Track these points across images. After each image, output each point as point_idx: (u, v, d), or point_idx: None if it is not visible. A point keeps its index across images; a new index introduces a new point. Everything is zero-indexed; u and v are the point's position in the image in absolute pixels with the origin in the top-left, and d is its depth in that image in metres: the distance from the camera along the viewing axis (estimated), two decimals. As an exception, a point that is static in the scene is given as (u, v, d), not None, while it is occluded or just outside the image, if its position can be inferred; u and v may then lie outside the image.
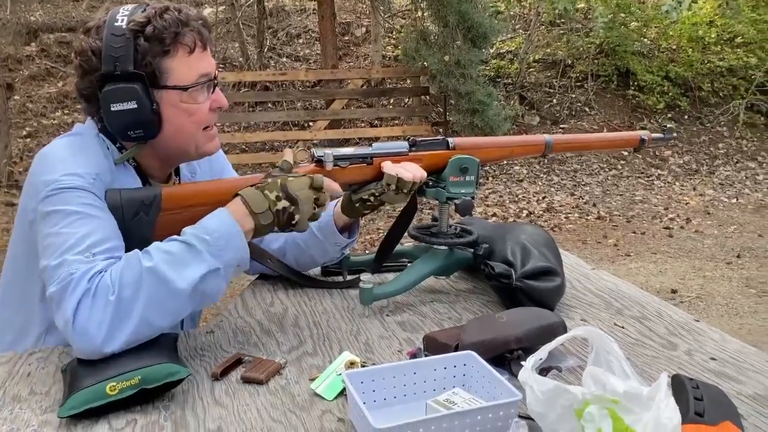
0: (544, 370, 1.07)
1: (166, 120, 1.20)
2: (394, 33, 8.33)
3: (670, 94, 7.62)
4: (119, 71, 1.15)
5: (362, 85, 7.19)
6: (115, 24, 1.16)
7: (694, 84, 7.67)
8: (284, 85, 7.47)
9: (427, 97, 6.83)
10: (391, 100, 7.67)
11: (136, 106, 1.16)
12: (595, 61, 7.91)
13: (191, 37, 1.20)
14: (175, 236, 1.12)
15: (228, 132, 6.78)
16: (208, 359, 1.18)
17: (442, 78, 5.79)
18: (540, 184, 6.68)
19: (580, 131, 7.48)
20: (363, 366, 1.09)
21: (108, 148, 1.23)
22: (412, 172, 1.32)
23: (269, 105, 7.44)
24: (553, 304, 1.35)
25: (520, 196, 6.34)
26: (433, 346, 1.13)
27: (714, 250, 4.89)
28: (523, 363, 1.12)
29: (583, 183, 6.75)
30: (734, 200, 6.29)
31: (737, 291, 4.06)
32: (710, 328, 1.29)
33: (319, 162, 1.30)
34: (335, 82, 6.61)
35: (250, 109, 7.33)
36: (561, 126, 7.59)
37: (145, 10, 1.18)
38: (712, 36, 7.71)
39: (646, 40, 8.00)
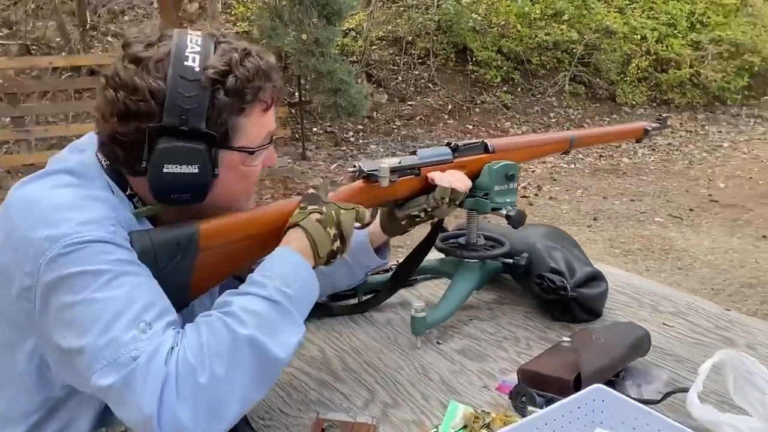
0: (666, 395, 1.02)
1: (218, 184, 0.97)
2: (232, 9, 7.86)
3: (505, 68, 8.06)
4: (187, 128, 0.91)
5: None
6: (186, 64, 0.91)
7: (525, 58, 8.17)
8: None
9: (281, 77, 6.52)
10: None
11: (197, 171, 0.93)
12: (435, 38, 8.10)
13: (271, 92, 0.99)
14: (249, 289, 0.90)
15: (53, 123, 5.97)
16: (278, 428, 0.99)
17: (301, 57, 5.56)
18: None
19: (427, 108, 7.66)
20: (478, 418, 0.97)
21: (111, 190, 0.97)
22: (462, 181, 1.19)
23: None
24: (602, 309, 1.32)
25: (382, 175, 6.35)
26: (538, 380, 1.03)
27: (572, 215, 5.28)
28: (627, 383, 1.09)
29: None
30: (572, 165, 6.83)
31: (605, 252, 4.41)
32: (746, 316, 1.34)
33: (368, 178, 1.12)
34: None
35: (77, 95, 6.52)
36: (408, 103, 7.71)
37: (220, 48, 0.95)
38: (537, 12, 8.24)
39: (476, 16, 8.35)
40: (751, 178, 6.31)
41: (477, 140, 1.29)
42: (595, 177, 6.47)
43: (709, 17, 8.50)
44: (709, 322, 1.30)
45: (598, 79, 8.25)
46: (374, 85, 7.70)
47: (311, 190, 1.08)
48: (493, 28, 8.39)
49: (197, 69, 0.91)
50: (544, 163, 6.85)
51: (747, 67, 8.30)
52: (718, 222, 5.05)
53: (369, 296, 1.38)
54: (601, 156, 7.09)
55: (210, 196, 0.97)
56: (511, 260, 1.33)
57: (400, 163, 1.17)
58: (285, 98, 6.42)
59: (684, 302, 1.39)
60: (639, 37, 8.27)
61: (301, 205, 1.03)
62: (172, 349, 0.81)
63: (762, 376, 0.92)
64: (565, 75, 8.15)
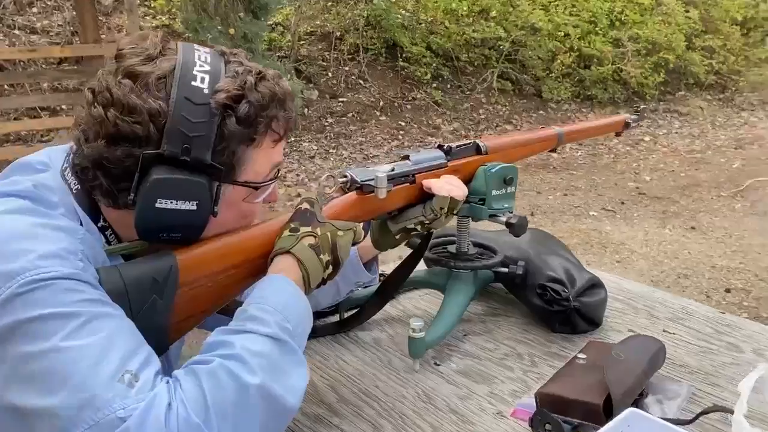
0: (699, 414, 0.95)
1: (214, 222, 0.85)
2: (151, 2, 7.44)
3: (434, 64, 8.03)
4: (189, 158, 0.78)
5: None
6: (194, 85, 0.79)
7: (453, 54, 8.17)
8: (23, 64, 6.23)
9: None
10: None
11: (195, 208, 0.80)
12: (365, 33, 7.98)
13: (284, 122, 0.87)
14: (249, 326, 0.77)
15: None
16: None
17: (230, 53, 5.31)
18: (332, 159, 6.59)
19: (359, 104, 7.53)
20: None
21: (79, 221, 0.82)
22: (461, 188, 1.09)
23: (6, 88, 6.15)
24: (602, 318, 1.24)
25: (315, 174, 6.19)
26: (561, 405, 0.94)
27: (510, 211, 5.31)
28: (647, 401, 1.01)
29: (371, 155, 6.82)
30: (504, 162, 6.90)
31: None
32: (740, 318, 1.30)
33: (361, 189, 1.00)
34: (98, 59, 5.68)
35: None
36: (340, 100, 7.55)
37: (230, 68, 0.83)
38: (465, 9, 8.26)
39: (404, 11, 8.29)
40: (673, 170, 6.55)
41: (469, 141, 1.19)
42: (527, 172, 6.54)
43: (627, 15, 8.78)
44: (709, 327, 1.25)
45: (524, 76, 8.36)
46: (304, 82, 7.50)
47: (305, 205, 0.94)
48: (421, 24, 8.35)
49: (206, 91, 0.79)
50: (476, 159, 6.88)
51: (663, 63, 8.63)
52: (649, 214, 5.20)
53: (352, 312, 1.25)
54: (531, 151, 7.19)
55: (202, 235, 0.84)
56: (506, 270, 1.23)
57: (393, 170, 1.05)
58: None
59: (678, 306, 1.34)
60: (563, 34, 8.44)
61: (292, 225, 0.90)
62: (169, 405, 0.66)
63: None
64: (492, 72, 8.21)
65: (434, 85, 8.09)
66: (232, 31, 5.32)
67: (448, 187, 1.07)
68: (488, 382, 1.08)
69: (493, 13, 8.15)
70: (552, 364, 1.12)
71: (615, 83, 8.59)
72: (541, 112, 8.19)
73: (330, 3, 8.22)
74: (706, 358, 1.14)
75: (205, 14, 5.26)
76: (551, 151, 1.37)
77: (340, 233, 0.92)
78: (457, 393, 1.05)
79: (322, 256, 0.88)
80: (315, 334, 1.22)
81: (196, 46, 0.85)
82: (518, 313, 1.30)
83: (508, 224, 1.13)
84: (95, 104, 0.79)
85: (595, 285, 1.23)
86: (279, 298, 0.81)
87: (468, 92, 8.24)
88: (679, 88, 9.15)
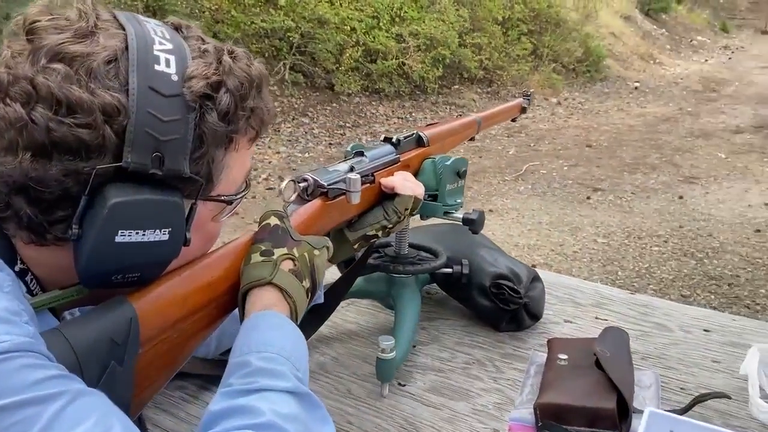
0: (695, 402, 0.93)
1: (182, 252, 0.65)
2: None
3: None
4: (162, 171, 0.59)
5: None
6: (158, 69, 0.58)
7: (244, 45, 7.85)
8: None
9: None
10: None
11: (166, 237, 0.60)
12: (144, 19, 7.35)
13: (261, 116, 0.68)
14: (265, 382, 0.58)
15: None
16: None
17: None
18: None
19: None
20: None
21: None
22: (419, 185, 0.97)
23: None
24: (542, 311, 1.20)
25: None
26: (567, 413, 0.87)
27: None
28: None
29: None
30: (306, 154, 6.81)
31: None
32: (650, 297, 1.35)
33: (326, 194, 0.83)
34: None
35: None
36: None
37: (192, 45, 0.63)
38: (251, -1, 7.99)
39: (185, -2, 7.79)
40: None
41: (410, 132, 1.07)
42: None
43: (406, 12, 9.19)
44: (630, 309, 1.28)
45: (316, 68, 8.35)
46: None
47: (272, 221, 0.75)
48: (204, 12, 7.91)
49: (175, 78, 0.60)
50: (278, 153, 6.72)
51: (440, 59, 9.19)
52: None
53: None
54: (330, 144, 7.21)
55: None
56: (450, 270, 1.14)
57: (352, 169, 0.89)
58: None
59: (592, 290, 1.36)
60: (349, 28, 8.57)
61: (263, 247, 0.71)
62: None
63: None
64: (284, 64, 8.07)
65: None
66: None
67: (410, 184, 0.95)
68: (465, 397, 0.97)
69: (282, 2, 7.99)
70: (516, 366, 1.06)
71: (399, 77, 8.95)
72: (335, 104, 8.25)
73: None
74: (647, 342, 1.15)
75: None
76: (470, 139, 1.30)
77: (316, 252, 0.75)
78: (439, 416, 0.93)
79: (303, 283, 0.71)
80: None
81: (140, 16, 0.63)
82: (454, 315, 1.22)
83: (467, 221, 1.03)
84: (8, 100, 0.54)
85: (535, 278, 1.19)
86: (283, 342, 0.63)
87: (261, 85, 8.02)
88: (455, 82, 9.84)
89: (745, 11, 19.28)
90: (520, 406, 0.94)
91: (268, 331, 0.64)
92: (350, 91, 8.46)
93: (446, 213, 1.04)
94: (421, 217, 1.06)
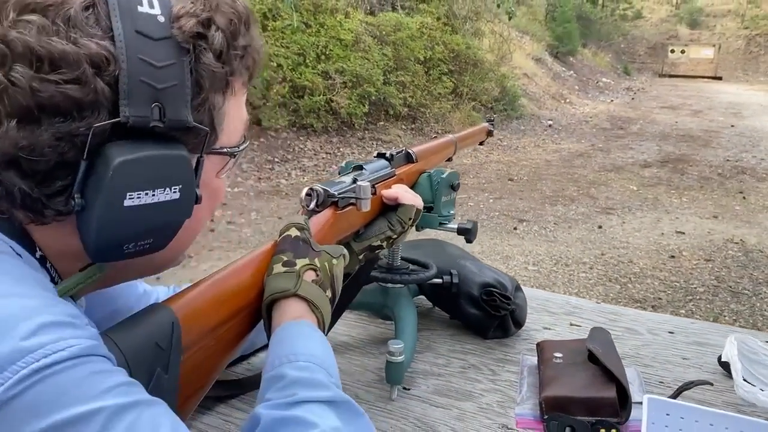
0: (681, 390, 1.01)
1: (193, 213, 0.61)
2: None
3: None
4: (164, 123, 0.54)
5: None
6: (141, 11, 0.53)
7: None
8: None
9: None
10: None
11: (178, 196, 0.56)
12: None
13: (253, 55, 0.64)
14: (306, 393, 0.59)
15: None
16: None
17: None
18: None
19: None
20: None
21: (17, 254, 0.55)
22: (417, 196, 1.02)
23: None
24: (525, 319, 1.27)
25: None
26: (572, 405, 0.93)
27: (258, 237, 5.18)
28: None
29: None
30: (235, 189, 6.73)
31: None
32: (614, 306, 1.45)
33: (336, 204, 0.87)
34: None
35: None
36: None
37: None
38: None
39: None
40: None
41: (400, 149, 1.12)
42: (261, 199, 6.50)
43: (331, 50, 9.35)
44: (600, 317, 1.37)
45: (243, 104, 8.33)
46: None
47: (293, 232, 0.77)
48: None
49: (161, 19, 0.54)
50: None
51: (366, 96, 9.38)
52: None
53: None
54: (259, 179, 7.16)
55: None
56: (441, 281, 1.19)
57: (355, 181, 0.93)
58: None
59: (563, 301, 1.44)
60: (275, 64, 8.62)
61: (285, 258, 0.73)
62: None
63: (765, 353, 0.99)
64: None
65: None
66: None
67: (410, 196, 0.99)
68: (469, 398, 1.01)
69: None
70: (509, 369, 1.11)
71: (327, 113, 9.05)
72: (263, 140, 8.22)
73: None
74: (622, 344, 1.23)
75: None
76: (448, 160, 1.37)
77: (334, 261, 0.77)
78: (450, 415, 0.96)
79: (327, 293, 0.73)
80: (245, 388, 1.01)
81: None
82: (440, 325, 1.26)
83: (462, 231, 1.09)
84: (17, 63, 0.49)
85: (517, 287, 1.26)
86: (314, 350, 0.64)
87: (185, 119, 7.90)
88: (380, 119, 10.04)
89: (644, 55, 20.82)
90: (522, 403, 0.99)
91: (298, 339, 0.65)
92: (278, 127, 8.47)
93: (441, 224, 1.10)
94: (417, 228, 1.11)
